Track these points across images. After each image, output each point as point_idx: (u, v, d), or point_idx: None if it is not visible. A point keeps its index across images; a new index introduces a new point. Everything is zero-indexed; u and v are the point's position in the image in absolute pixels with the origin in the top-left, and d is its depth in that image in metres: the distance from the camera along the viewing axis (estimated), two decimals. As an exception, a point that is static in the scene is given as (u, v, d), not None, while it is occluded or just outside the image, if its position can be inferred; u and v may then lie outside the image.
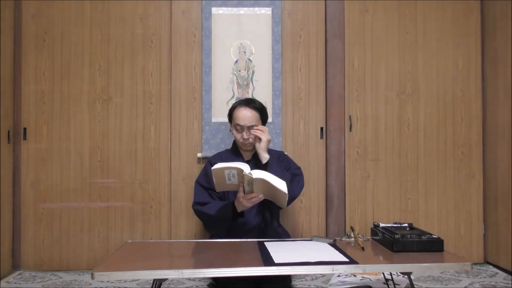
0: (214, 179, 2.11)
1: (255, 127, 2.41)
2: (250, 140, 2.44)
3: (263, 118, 2.52)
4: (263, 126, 2.47)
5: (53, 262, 2.89)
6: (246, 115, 2.44)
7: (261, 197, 2.12)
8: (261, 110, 2.50)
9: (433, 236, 1.83)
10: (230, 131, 2.54)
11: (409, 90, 3.01)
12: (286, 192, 2.01)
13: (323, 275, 2.70)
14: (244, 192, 2.15)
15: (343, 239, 2.04)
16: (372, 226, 2.08)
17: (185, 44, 2.96)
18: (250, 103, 2.49)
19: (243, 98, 2.68)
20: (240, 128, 2.44)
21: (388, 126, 3.00)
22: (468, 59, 3.03)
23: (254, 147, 2.51)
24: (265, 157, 2.41)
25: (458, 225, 3.00)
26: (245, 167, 2.04)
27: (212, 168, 2.07)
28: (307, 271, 1.96)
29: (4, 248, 2.75)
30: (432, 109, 3.02)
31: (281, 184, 2.01)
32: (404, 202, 2.99)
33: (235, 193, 2.28)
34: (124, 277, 1.73)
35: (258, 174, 2.01)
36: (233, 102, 2.62)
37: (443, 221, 3.00)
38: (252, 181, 2.02)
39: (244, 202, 2.16)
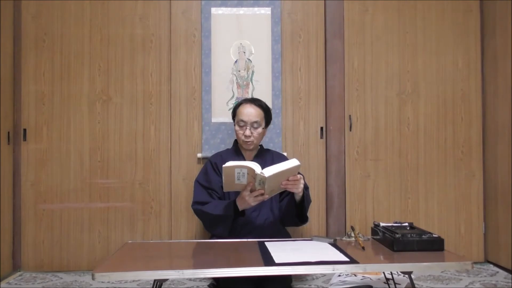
0: (223, 177, 2.11)
1: (290, 178, 2.13)
2: (252, 138, 2.44)
3: (267, 119, 2.51)
4: (297, 176, 2.17)
5: (53, 263, 2.89)
6: (250, 111, 2.44)
7: (266, 197, 2.14)
8: (266, 110, 2.50)
9: (434, 235, 1.83)
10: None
11: (409, 89, 3.01)
12: (298, 163, 2.05)
13: (323, 275, 2.70)
14: (251, 191, 2.15)
15: (344, 238, 2.04)
16: (373, 225, 2.08)
17: (185, 44, 2.96)
18: (256, 101, 2.50)
19: (247, 98, 2.69)
20: (243, 124, 2.44)
21: (388, 126, 3.00)
22: (468, 58, 3.03)
23: (255, 147, 2.51)
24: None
25: (459, 224, 3.00)
26: (256, 167, 2.04)
27: (224, 165, 2.06)
28: (308, 271, 1.97)
29: (4, 249, 2.75)
30: (432, 108, 3.02)
31: (291, 163, 2.06)
32: (404, 201, 2.99)
33: (236, 192, 2.28)
34: (125, 277, 1.73)
35: (270, 171, 2.01)
36: (233, 102, 2.62)
37: (444, 220, 3.00)
38: (264, 179, 2.02)
39: (250, 201, 2.16)
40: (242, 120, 2.44)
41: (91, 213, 2.91)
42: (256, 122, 2.44)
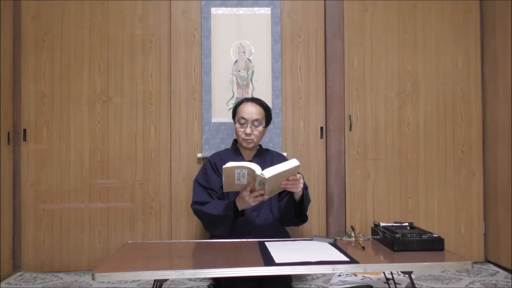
0: (223, 178, 2.11)
1: (290, 178, 2.13)
2: (252, 137, 2.44)
3: (268, 118, 2.52)
4: (297, 175, 2.16)
5: (53, 263, 2.89)
6: (251, 109, 2.45)
7: (266, 197, 2.15)
8: (266, 109, 2.52)
9: (434, 235, 1.83)
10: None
11: (409, 89, 3.01)
12: (298, 163, 2.06)
13: (323, 275, 2.70)
14: (250, 192, 2.15)
15: (344, 238, 2.04)
16: (373, 225, 2.08)
17: (185, 44, 2.96)
18: (257, 100, 2.52)
19: (248, 97, 2.69)
20: (244, 122, 2.44)
21: (388, 126, 3.00)
22: (468, 58, 3.03)
23: (254, 146, 2.51)
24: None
25: (459, 224, 3.00)
26: (256, 167, 2.05)
27: (224, 166, 2.06)
28: (308, 271, 1.96)
29: (4, 249, 2.75)
30: (432, 108, 3.02)
31: (290, 163, 2.06)
32: (404, 201, 2.99)
33: (235, 192, 2.28)
34: (125, 277, 1.73)
35: (270, 172, 2.01)
36: (233, 102, 2.62)
37: (444, 220, 3.00)
38: (264, 180, 2.02)
39: (250, 201, 2.16)
40: (243, 118, 2.44)
41: (91, 213, 2.91)
42: (257, 120, 2.44)
